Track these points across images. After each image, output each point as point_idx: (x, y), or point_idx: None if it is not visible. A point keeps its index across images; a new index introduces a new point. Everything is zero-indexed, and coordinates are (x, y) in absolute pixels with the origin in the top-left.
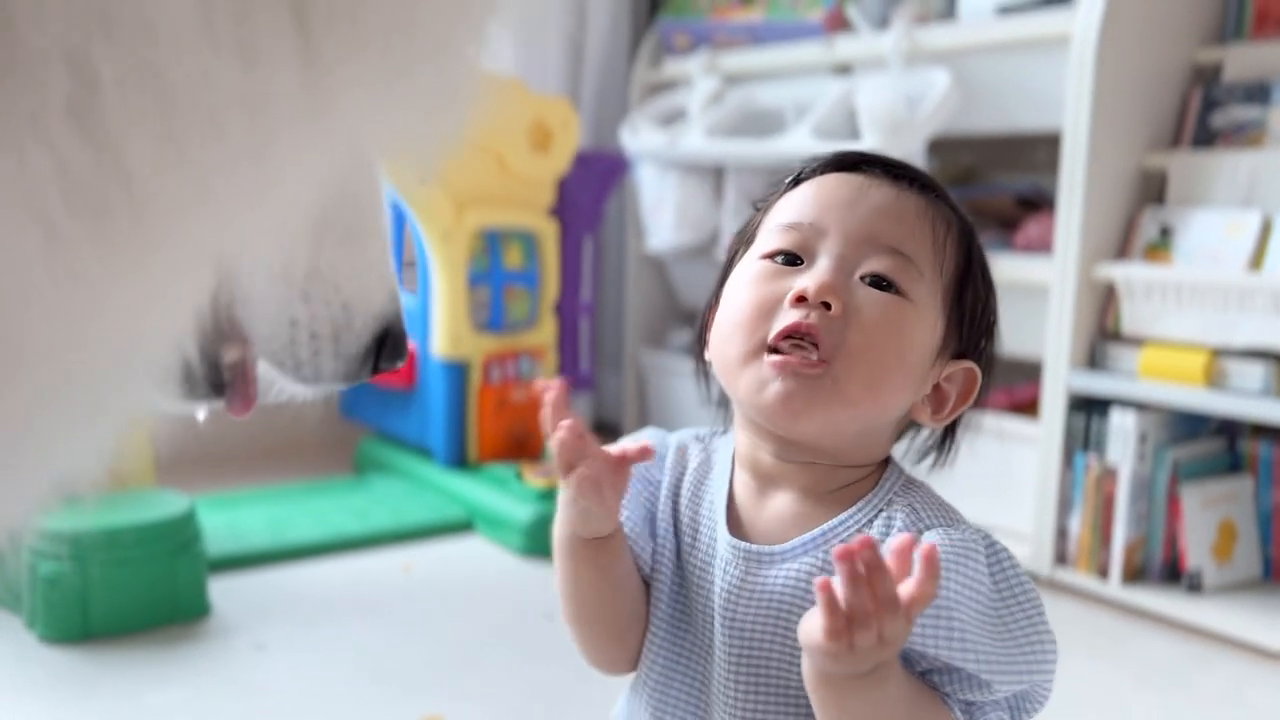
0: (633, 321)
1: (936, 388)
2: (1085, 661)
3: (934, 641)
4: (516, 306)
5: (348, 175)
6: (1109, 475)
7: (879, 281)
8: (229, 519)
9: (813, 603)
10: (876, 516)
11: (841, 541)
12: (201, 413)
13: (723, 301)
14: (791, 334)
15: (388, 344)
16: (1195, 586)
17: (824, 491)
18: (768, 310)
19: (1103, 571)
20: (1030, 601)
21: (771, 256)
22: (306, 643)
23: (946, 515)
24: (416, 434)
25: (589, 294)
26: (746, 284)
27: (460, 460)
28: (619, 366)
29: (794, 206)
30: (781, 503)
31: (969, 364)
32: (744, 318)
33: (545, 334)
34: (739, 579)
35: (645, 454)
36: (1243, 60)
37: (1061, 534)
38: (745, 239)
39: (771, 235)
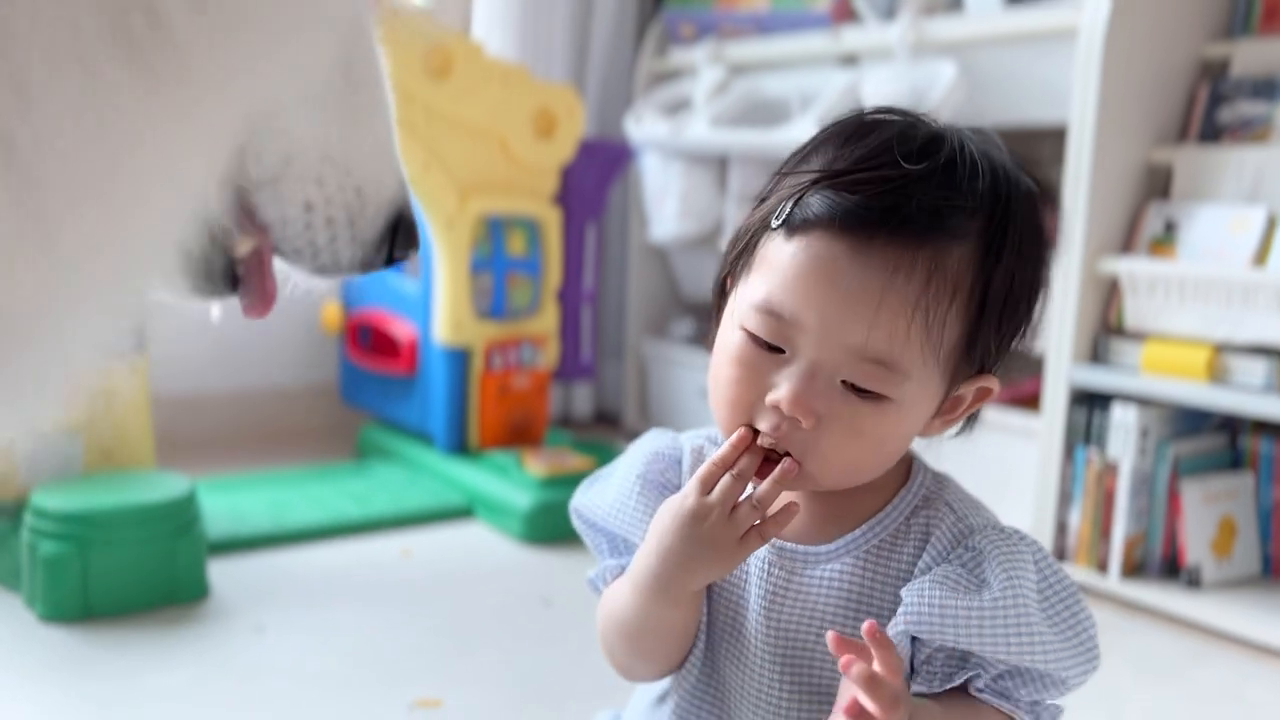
0: (635, 311)
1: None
2: None
3: (1017, 648)
4: (519, 294)
5: (351, 56)
6: (1110, 470)
7: (858, 389)
8: (229, 502)
9: (854, 603)
10: (914, 514)
11: (880, 541)
12: (216, 309)
13: (715, 350)
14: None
15: (401, 230)
16: (1194, 582)
17: (857, 489)
18: (747, 404)
19: (1102, 566)
20: (1071, 592)
21: (753, 336)
22: (305, 625)
23: (982, 513)
24: (417, 420)
25: (591, 282)
26: (729, 360)
27: (461, 447)
28: (620, 356)
29: (780, 275)
30: (817, 501)
31: (984, 383)
32: (726, 404)
33: (547, 322)
34: (783, 580)
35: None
36: (1251, 55)
37: (1061, 528)
38: (763, 222)
39: (753, 311)
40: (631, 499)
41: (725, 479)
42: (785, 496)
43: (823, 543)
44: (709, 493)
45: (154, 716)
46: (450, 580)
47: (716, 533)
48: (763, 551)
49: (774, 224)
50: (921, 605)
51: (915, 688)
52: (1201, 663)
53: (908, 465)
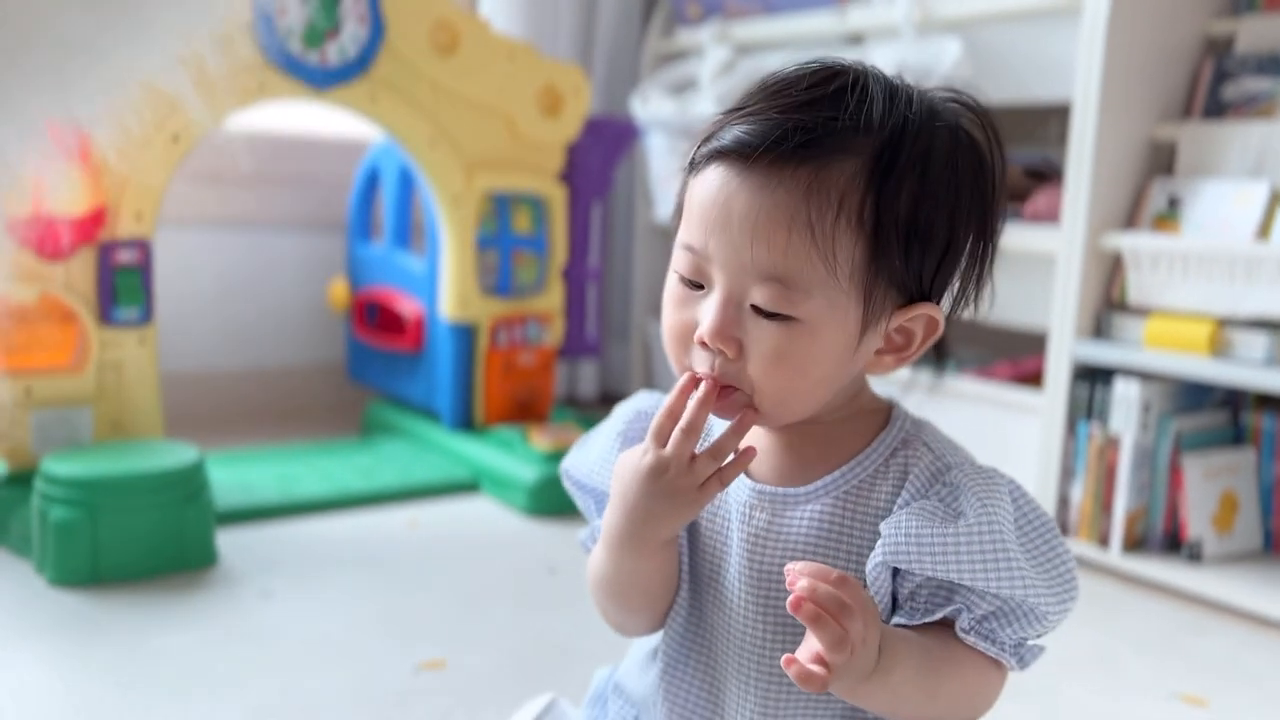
0: (639, 290)
1: (894, 334)
2: (1085, 628)
3: (995, 576)
4: (524, 271)
5: None
6: (1111, 444)
7: (764, 311)
8: (238, 474)
9: (833, 543)
10: (893, 455)
11: (860, 481)
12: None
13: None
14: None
15: None
16: (1195, 556)
17: (836, 432)
18: (684, 343)
19: (1103, 540)
20: (1049, 527)
21: (681, 276)
22: (312, 591)
23: (959, 452)
24: (423, 397)
25: (597, 260)
26: (667, 304)
27: (467, 423)
28: (625, 335)
29: (691, 214)
30: (797, 445)
31: (925, 310)
32: (669, 347)
33: (553, 299)
34: (764, 523)
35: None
36: (1255, 32)
37: (1063, 502)
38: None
39: (678, 251)
40: (612, 456)
41: (676, 432)
42: (798, 439)
43: (803, 484)
44: (664, 445)
45: (162, 677)
46: (456, 550)
47: (677, 484)
48: (743, 495)
49: (686, 168)
50: (898, 535)
51: (897, 620)
52: (1202, 634)
53: (888, 411)
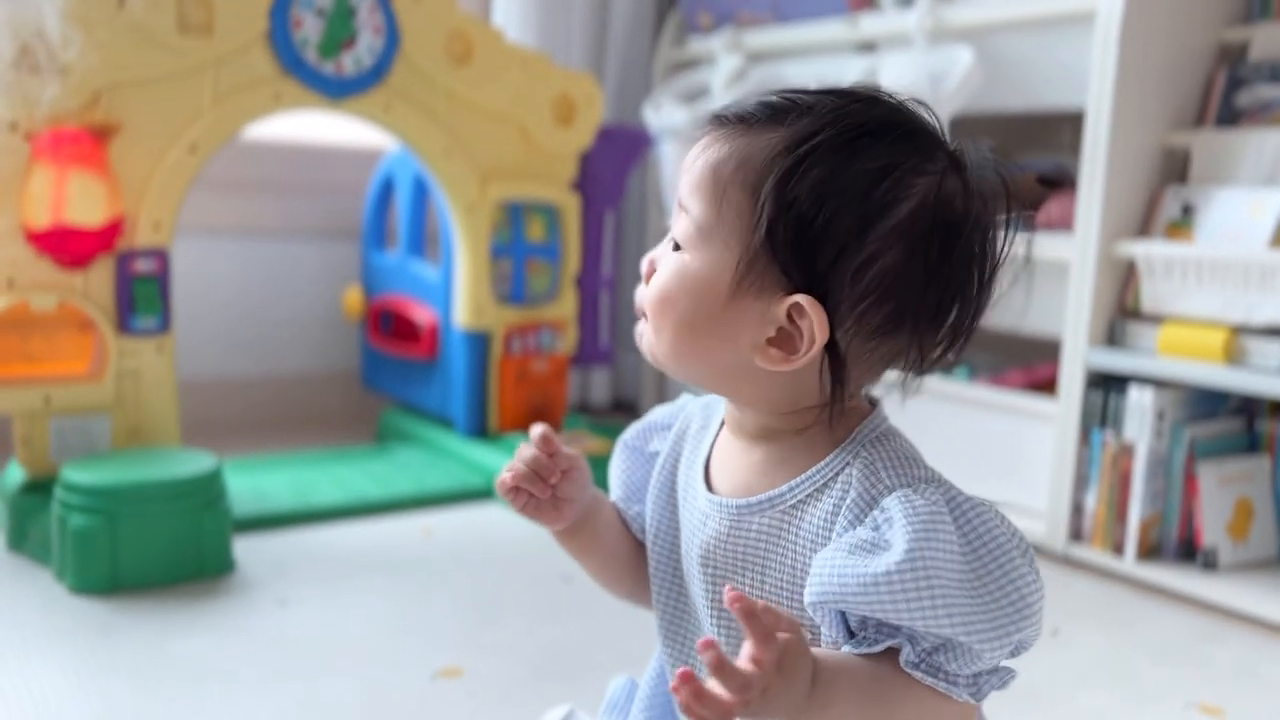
0: None
1: (782, 330)
2: (1099, 636)
3: (920, 614)
4: (538, 279)
5: None
6: (1125, 452)
7: (675, 244)
8: (253, 482)
9: (774, 559)
10: (839, 474)
11: (806, 496)
12: None
13: None
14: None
15: None
16: (1210, 564)
17: (796, 445)
18: None
19: (1118, 548)
20: (1004, 552)
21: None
22: (328, 599)
23: (906, 473)
24: (438, 404)
25: (610, 269)
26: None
27: (481, 430)
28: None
29: None
30: (758, 457)
31: (798, 299)
32: None
33: (566, 307)
34: (716, 533)
35: (546, 444)
36: (1269, 40)
37: (1077, 510)
38: None
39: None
40: (615, 460)
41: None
42: (761, 451)
43: (754, 495)
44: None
45: (180, 682)
46: (471, 558)
47: (518, 508)
48: (702, 505)
49: None
50: (823, 572)
51: (847, 648)
52: (1218, 642)
53: (851, 426)
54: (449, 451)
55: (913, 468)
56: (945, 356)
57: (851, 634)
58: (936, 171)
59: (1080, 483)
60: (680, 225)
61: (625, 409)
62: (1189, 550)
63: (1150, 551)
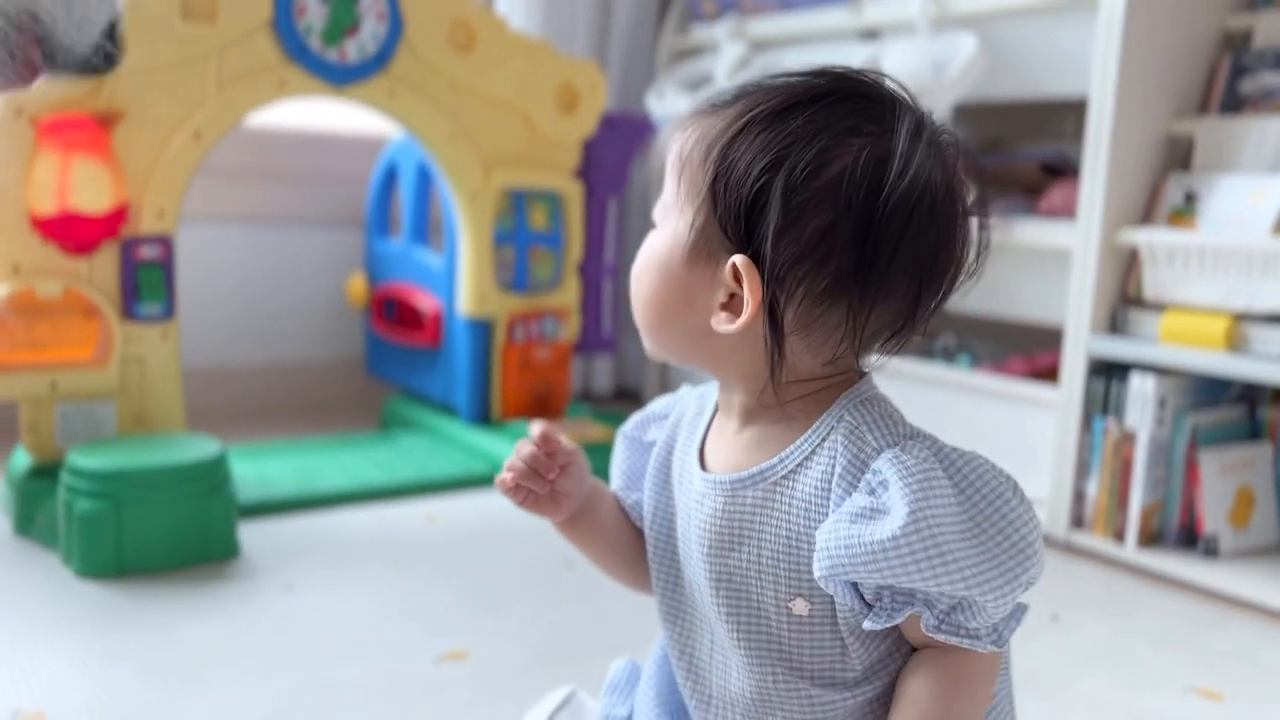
0: None
1: (735, 296)
2: (1100, 623)
3: (932, 575)
4: (541, 267)
5: None
6: (1127, 439)
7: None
8: (258, 468)
9: (766, 528)
10: (824, 440)
11: (795, 466)
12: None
13: None
14: None
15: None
16: (1211, 551)
17: (782, 419)
18: None
19: (1119, 535)
20: (999, 496)
21: None
22: (333, 583)
23: (891, 432)
24: (441, 392)
25: (613, 257)
26: None
27: (484, 417)
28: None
29: None
30: (747, 434)
31: (735, 259)
32: None
33: (569, 295)
34: (712, 510)
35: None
36: (1273, 27)
37: (1079, 497)
38: None
39: None
40: (616, 451)
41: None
42: (750, 429)
43: (745, 470)
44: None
45: (187, 666)
46: (474, 543)
47: (517, 502)
48: (698, 484)
49: None
50: (828, 545)
51: (868, 624)
52: (1218, 629)
53: (835, 394)
54: (452, 438)
55: (896, 426)
56: (905, 330)
57: (868, 605)
58: (877, 134)
59: (1082, 470)
60: (655, 207)
61: (628, 397)
62: (1190, 537)
63: (1151, 539)
